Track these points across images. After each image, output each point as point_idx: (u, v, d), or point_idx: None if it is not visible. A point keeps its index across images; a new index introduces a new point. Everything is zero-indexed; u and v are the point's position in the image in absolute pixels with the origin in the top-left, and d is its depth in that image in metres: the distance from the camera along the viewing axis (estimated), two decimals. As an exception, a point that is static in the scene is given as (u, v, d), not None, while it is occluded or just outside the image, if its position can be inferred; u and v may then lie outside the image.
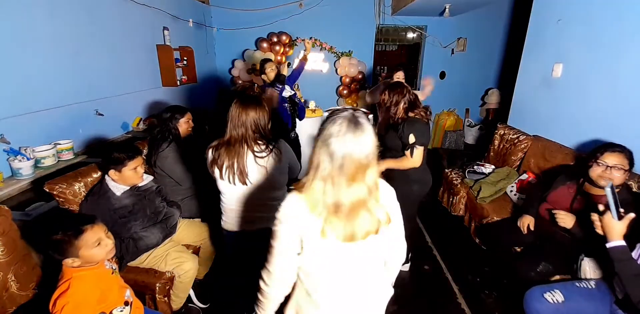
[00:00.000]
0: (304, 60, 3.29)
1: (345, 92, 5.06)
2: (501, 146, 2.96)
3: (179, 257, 1.72)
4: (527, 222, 1.89)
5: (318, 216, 0.87)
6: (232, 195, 1.54)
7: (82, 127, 2.44)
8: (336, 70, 5.03)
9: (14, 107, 1.93)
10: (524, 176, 2.51)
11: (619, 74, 2.02)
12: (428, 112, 1.96)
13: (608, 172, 1.56)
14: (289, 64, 3.26)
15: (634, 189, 1.79)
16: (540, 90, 2.69)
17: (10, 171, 1.89)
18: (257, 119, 1.46)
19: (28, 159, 1.90)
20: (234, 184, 1.48)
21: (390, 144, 1.96)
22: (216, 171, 1.49)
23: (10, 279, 1.38)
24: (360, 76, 5.00)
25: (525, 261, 1.78)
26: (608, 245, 1.26)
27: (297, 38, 4.81)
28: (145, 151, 2.10)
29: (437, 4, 4.00)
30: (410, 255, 2.31)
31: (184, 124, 2.07)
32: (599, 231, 1.31)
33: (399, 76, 3.03)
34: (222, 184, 1.53)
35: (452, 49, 5.22)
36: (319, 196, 0.87)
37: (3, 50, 1.86)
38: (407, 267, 2.29)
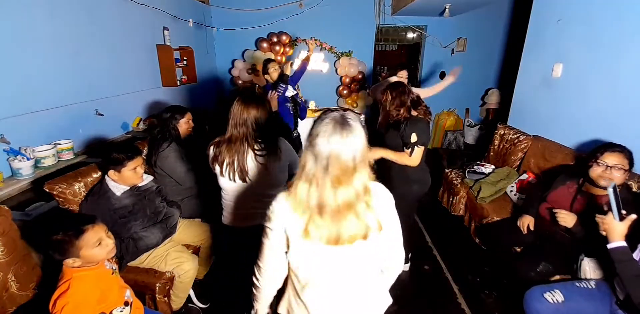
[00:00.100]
0: (306, 60, 3.29)
1: (345, 92, 5.06)
2: (501, 146, 2.96)
3: (179, 257, 1.72)
4: (527, 222, 1.89)
5: (301, 216, 0.86)
6: (232, 191, 1.57)
7: (82, 127, 2.44)
8: (336, 70, 5.03)
9: (14, 107, 1.93)
10: (524, 176, 2.51)
11: (619, 74, 2.02)
12: (428, 112, 1.96)
13: (608, 172, 1.56)
14: (291, 64, 3.27)
15: (634, 189, 1.79)
16: (540, 90, 2.69)
17: (10, 171, 1.89)
18: (259, 118, 1.48)
19: (28, 159, 1.90)
20: (234, 181, 1.51)
21: (390, 143, 1.96)
22: (217, 168, 1.52)
23: (10, 279, 1.38)
24: (360, 76, 5.00)
25: (525, 261, 1.78)
26: (609, 246, 1.26)
27: (297, 38, 4.81)
28: (145, 151, 2.10)
29: (437, 4, 4.00)
30: (410, 255, 2.32)
31: (184, 125, 2.07)
32: (604, 232, 1.30)
33: (403, 75, 3.01)
34: (223, 181, 1.56)
35: (452, 49, 5.22)
36: (303, 196, 0.85)
37: (3, 50, 1.86)
38: (407, 267, 2.29)
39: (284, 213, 0.89)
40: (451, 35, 5.11)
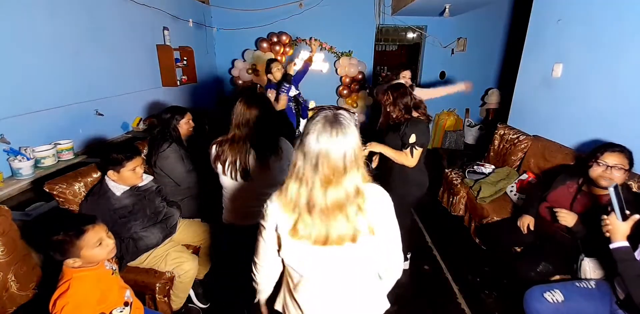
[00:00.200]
0: (309, 61, 3.30)
1: (345, 92, 5.06)
2: (501, 146, 2.96)
3: (179, 257, 1.72)
4: (527, 222, 1.89)
5: (290, 215, 0.86)
6: (233, 190, 1.58)
7: (82, 127, 2.44)
8: (336, 70, 5.03)
9: (14, 107, 1.93)
10: (524, 176, 2.52)
11: (619, 74, 2.02)
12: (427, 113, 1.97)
13: (608, 172, 1.56)
14: (294, 64, 3.27)
15: (634, 189, 1.79)
16: (540, 90, 2.69)
17: (10, 171, 1.89)
18: (261, 118, 1.49)
19: (28, 159, 1.90)
20: (236, 179, 1.52)
21: (390, 144, 1.96)
22: (219, 167, 1.53)
23: (10, 279, 1.38)
24: (360, 76, 5.00)
25: (525, 261, 1.78)
26: (612, 246, 1.26)
27: (297, 38, 4.81)
28: (145, 151, 2.10)
29: (437, 4, 4.00)
30: (410, 255, 2.32)
31: (184, 125, 2.07)
32: (608, 233, 1.30)
33: (406, 75, 2.98)
34: (224, 179, 1.57)
35: (452, 49, 5.22)
36: (293, 195, 0.84)
37: (3, 50, 1.86)
38: (407, 265, 2.29)
39: (275, 212, 0.89)
40: (451, 35, 5.11)
